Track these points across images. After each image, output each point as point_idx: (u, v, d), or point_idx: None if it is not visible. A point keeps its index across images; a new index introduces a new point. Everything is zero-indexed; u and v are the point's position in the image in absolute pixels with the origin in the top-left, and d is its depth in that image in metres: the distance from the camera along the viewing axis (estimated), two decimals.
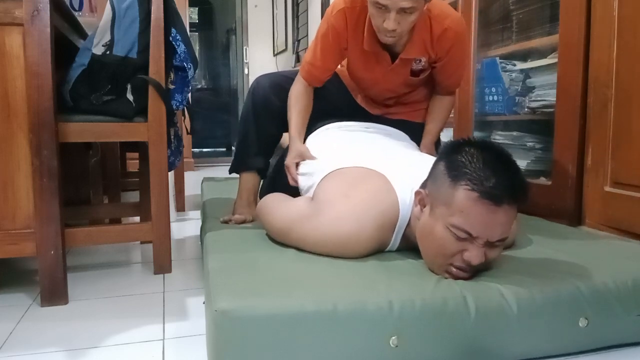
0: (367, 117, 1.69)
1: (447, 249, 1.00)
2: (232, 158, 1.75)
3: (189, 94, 1.77)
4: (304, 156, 1.47)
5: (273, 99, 1.63)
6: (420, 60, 1.54)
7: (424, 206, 1.08)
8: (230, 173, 1.76)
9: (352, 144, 1.46)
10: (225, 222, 1.60)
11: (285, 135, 1.66)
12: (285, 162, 1.51)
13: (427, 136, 1.66)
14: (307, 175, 1.42)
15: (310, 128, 1.60)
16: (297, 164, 1.49)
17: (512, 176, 0.97)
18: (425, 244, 1.07)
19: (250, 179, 1.70)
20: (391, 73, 1.56)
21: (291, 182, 1.49)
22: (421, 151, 1.57)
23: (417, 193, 1.10)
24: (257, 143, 1.66)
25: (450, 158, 1.03)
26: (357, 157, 1.32)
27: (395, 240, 1.19)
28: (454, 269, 1.01)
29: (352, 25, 1.49)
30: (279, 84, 1.65)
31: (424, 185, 1.11)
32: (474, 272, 1.02)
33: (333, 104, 1.65)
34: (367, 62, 1.56)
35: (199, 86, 6.77)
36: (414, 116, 1.70)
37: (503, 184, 0.95)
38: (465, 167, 0.98)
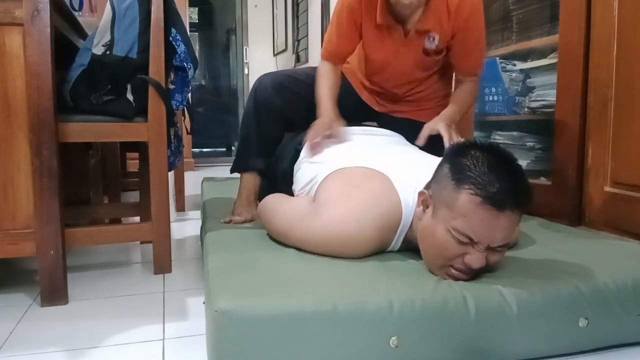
0: (372, 115, 1.68)
1: (448, 251, 1.00)
2: (232, 158, 1.75)
3: (189, 94, 1.77)
4: (333, 127, 1.44)
5: (275, 99, 1.62)
6: (433, 39, 1.51)
7: (427, 207, 1.07)
8: (231, 172, 1.76)
9: (353, 145, 1.45)
10: (226, 222, 1.60)
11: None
12: (311, 131, 1.46)
13: (442, 115, 1.53)
14: (305, 178, 1.42)
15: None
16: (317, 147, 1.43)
17: (516, 181, 0.96)
18: (425, 245, 1.07)
19: (251, 179, 1.69)
20: (404, 49, 1.53)
21: (310, 148, 1.44)
22: (429, 127, 1.47)
23: (420, 193, 1.10)
24: (258, 144, 1.66)
25: (455, 160, 1.02)
26: (359, 157, 1.31)
27: (397, 241, 1.19)
28: (453, 271, 1.01)
29: (366, 0, 1.50)
30: (281, 84, 1.64)
31: (427, 186, 1.10)
32: (474, 275, 1.01)
33: (338, 101, 1.62)
34: (380, 38, 1.54)
35: (200, 83, 6.75)
36: (420, 115, 1.67)
37: (507, 189, 0.94)
38: (470, 171, 0.97)
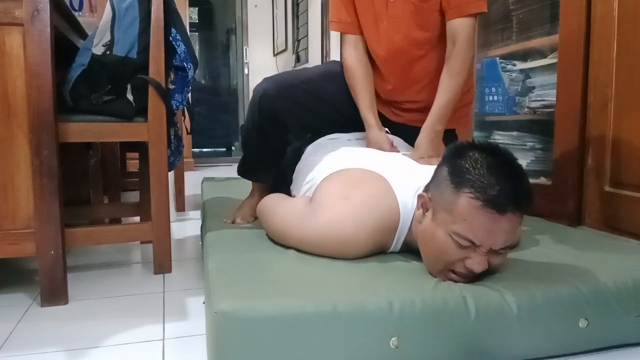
0: (387, 125, 1.60)
1: (449, 255, 0.98)
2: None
3: (189, 94, 1.77)
4: (383, 148, 1.43)
5: (280, 112, 1.53)
6: None
7: (426, 210, 1.06)
8: (239, 175, 1.72)
9: (352, 148, 1.45)
10: (228, 222, 1.60)
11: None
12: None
13: (428, 119, 1.44)
14: (303, 178, 1.41)
15: (310, 141, 1.58)
16: None
17: (517, 183, 0.95)
18: (426, 249, 1.06)
19: (263, 182, 1.69)
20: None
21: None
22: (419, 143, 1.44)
23: (419, 196, 1.09)
24: (269, 156, 1.62)
25: (454, 163, 1.00)
26: (358, 159, 1.31)
27: (397, 243, 1.19)
28: (454, 276, 1.00)
29: None
30: (288, 96, 1.53)
31: (426, 188, 1.09)
32: (474, 278, 1.00)
33: (350, 115, 1.57)
34: None
35: (200, 82, 6.75)
36: None
37: (507, 191, 0.93)
38: (469, 174, 0.96)
